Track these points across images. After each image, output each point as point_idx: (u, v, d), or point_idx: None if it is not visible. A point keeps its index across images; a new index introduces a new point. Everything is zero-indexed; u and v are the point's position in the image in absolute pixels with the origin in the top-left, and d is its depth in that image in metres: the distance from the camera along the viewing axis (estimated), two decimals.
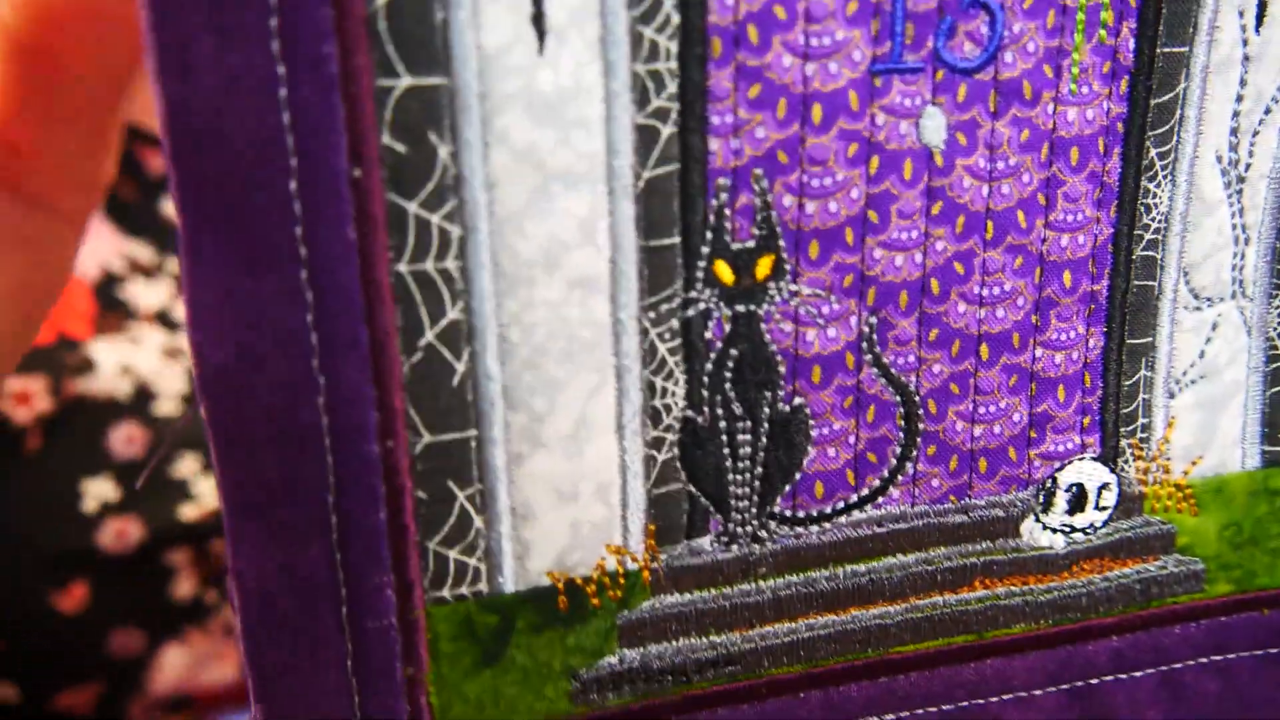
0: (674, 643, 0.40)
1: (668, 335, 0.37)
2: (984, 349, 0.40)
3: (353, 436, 0.35)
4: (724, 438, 0.39)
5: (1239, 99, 0.41)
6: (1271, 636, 0.46)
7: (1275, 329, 0.44)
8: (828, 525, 0.41)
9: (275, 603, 0.35)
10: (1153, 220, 0.41)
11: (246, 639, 0.36)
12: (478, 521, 0.37)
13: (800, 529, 0.40)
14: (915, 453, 0.41)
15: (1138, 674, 0.45)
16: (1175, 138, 0.40)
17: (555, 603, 0.38)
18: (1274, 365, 0.44)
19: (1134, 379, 0.43)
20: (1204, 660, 0.46)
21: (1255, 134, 0.41)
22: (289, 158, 0.32)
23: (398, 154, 0.33)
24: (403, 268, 0.34)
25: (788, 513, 0.40)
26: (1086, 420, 0.42)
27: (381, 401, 0.35)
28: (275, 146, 0.32)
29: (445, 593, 0.37)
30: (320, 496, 0.35)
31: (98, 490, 0.81)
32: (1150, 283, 0.42)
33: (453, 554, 0.37)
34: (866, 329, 0.39)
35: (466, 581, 0.37)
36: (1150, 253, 0.41)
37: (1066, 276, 0.41)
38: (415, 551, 0.37)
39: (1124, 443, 0.43)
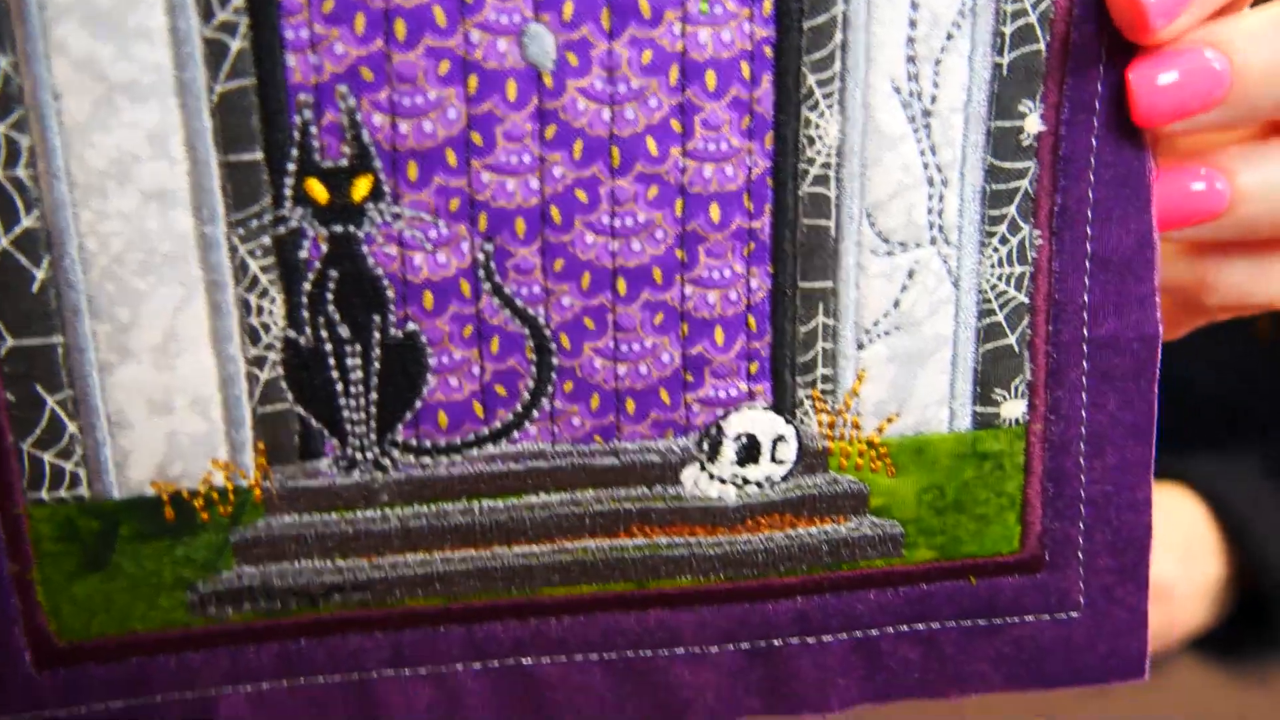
0: (295, 563, 0.39)
1: (259, 252, 0.36)
2: (620, 283, 0.38)
3: None
4: (330, 360, 0.38)
5: (912, 24, 0.37)
6: (979, 606, 0.42)
7: (989, 281, 0.40)
8: (457, 458, 0.39)
9: None
10: (819, 154, 0.38)
11: None
12: (71, 427, 0.37)
13: (427, 459, 0.39)
14: (550, 388, 0.39)
15: (826, 638, 0.42)
16: (838, 63, 0.37)
17: (161, 513, 0.38)
18: (988, 320, 0.40)
19: (810, 325, 0.39)
20: (904, 628, 0.42)
21: (938, 62, 0.37)
22: None
23: None
24: None
25: (411, 442, 0.39)
26: (753, 366, 0.40)
27: None
28: None
29: (44, 495, 0.37)
30: None
31: None
32: (823, 222, 0.38)
33: (47, 457, 0.37)
34: (482, 256, 0.37)
35: (65, 485, 0.38)
36: (820, 189, 0.38)
37: (714, 210, 0.38)
38: (13, 453, 0.37)
39: (802, 393, 0.40)
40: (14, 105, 0.34)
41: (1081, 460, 0.41)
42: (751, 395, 0.40)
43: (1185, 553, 0.73)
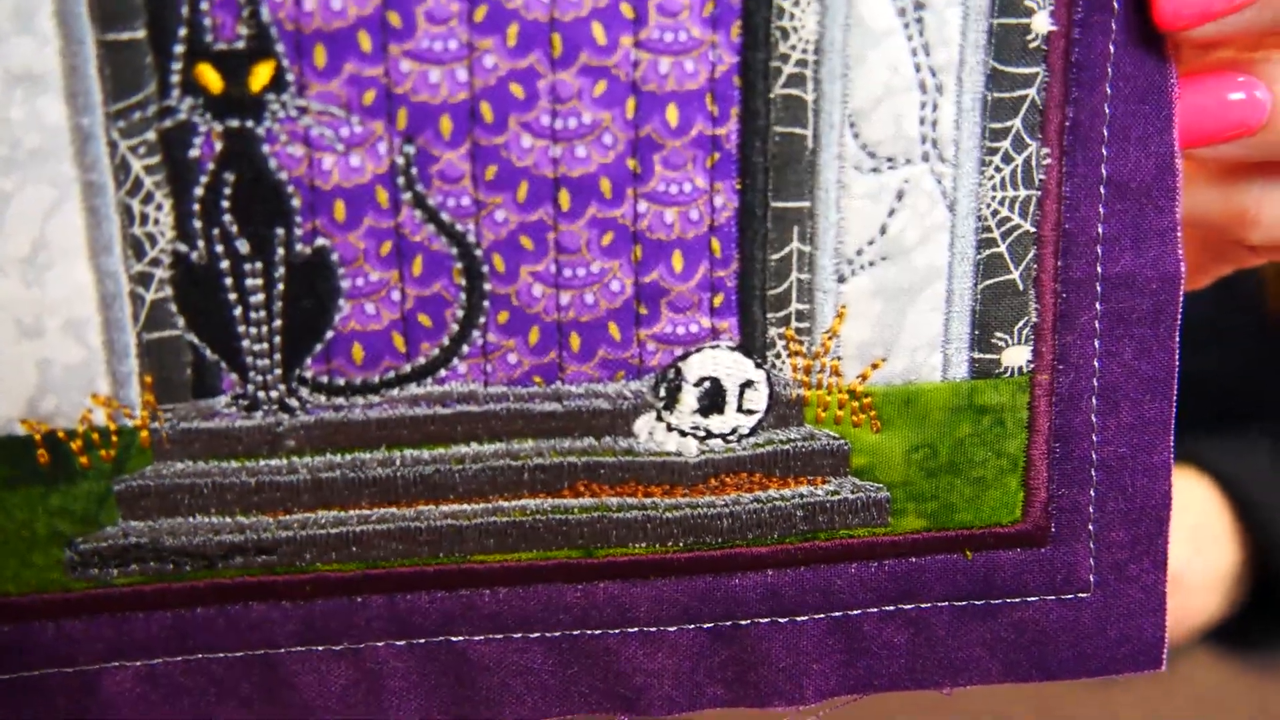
0: (189, 519, 0.33)
1: (143, 150, 0.30)
2: (563, 195, 0.32)
3: None
4: (227, 280, 0.31)
5: None
6: (974, 584, 0.36)
7: (990, 206, 0.33)
8: (375, 398, 0.33)
9: None
10: (794, 49, 0.32)
11: None
12: None
13: (340, 399, 0.33)
14: (482, 319, 0.33)
15: (800, 618, 0.35)
16: None
17: (33, 456, 0.32)
18: (988, 252, 0.34)
19: (783, 252, 0.33)
20: (888, 608, 0.36)
21: None
22: None
23: None
24: None
25: (322, 379, 0.33)
26: (718, 299, 0.33)
27: None
28: None
29: None
30: None
31: None
32: (799, 130, 0.32)
33: None
34: (401, 159, 0.31)
35: None
36: (795, 90, 0.32)
37: (671, 112, 0.32)
38: None
39: (774, 332, 0.34)
40: None
41: (1093, 417, 0.35)
42: (715, 333, 0.33)
43: (1196, 539, 0.67)
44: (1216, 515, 0.68)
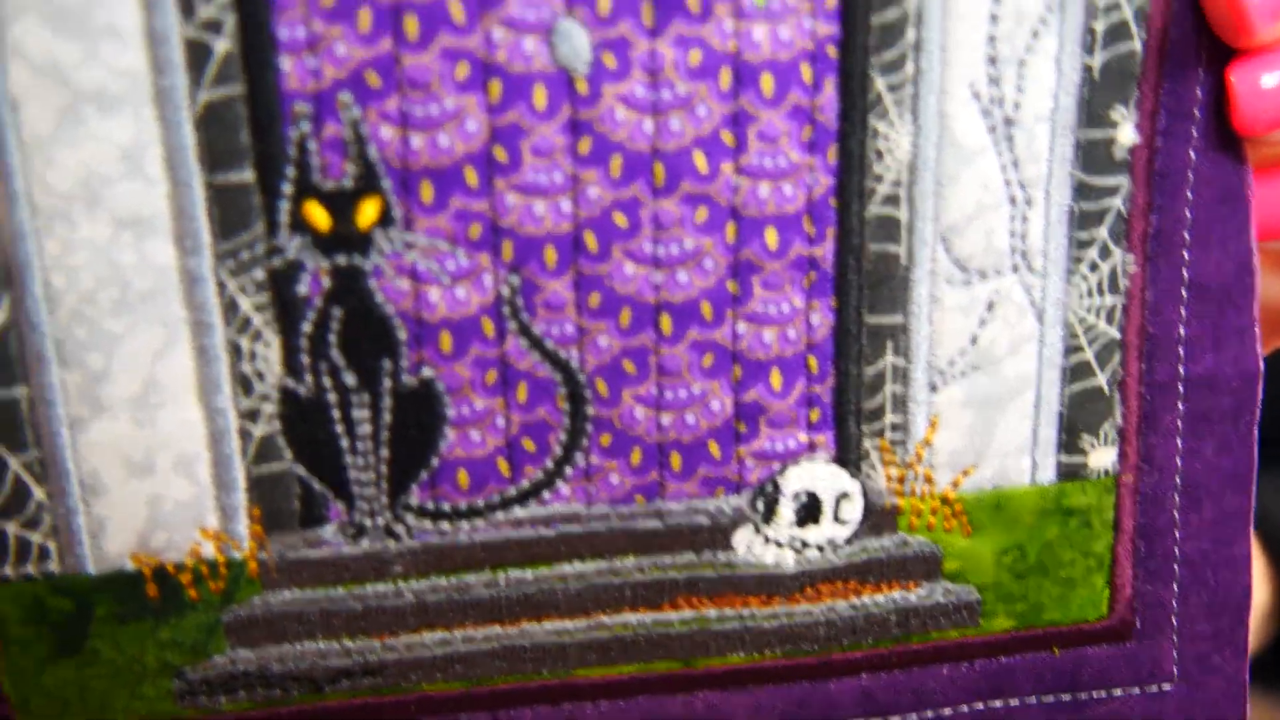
0: (296, 645, 0.32)
1: (251, 288, 0.30)
2: (665, 320, 0.32)
3: None
4: (335, 412, 0.31)
5: (993, 19, 0.31)
6: (1062, 679, 0.36)
7: (1077, 314, 0.33)
8: (480, 521, 0.32)
9: None
10: (888, 169, 0.31)
11: None
12: (38, 493, 0.30)
13: (444, 524, 0.32)
14: (585, 441, 0.32)
15: (894, 719, 0.35)
16: (910, 65, 0.31)
17: (143, 590, 0.31)
18: (1076, 358, 0.34)
19: (878, 366, 0.33)
20: (979, 706, 0.35)
21: (1021, 64, 0.31)
22: None
23: None
24: None
25: (428, 505, 0.32)
26: (814, 414, 0.33)
27: None
28: None
29: (8, 570, 0.31)
30: None
31: None
32: (893, 247, 0.32)
33: (11, 528, 0.31)
34: (507, 290, 0.31)
35: (33, 559, 0.31)
36: (889, 209, 0.32)
37: (771, 235, 0.31)
38: None
39: (869, 443, 0.33)
40: None
41: (1176, 514, 0.35)
42: (812, 447, 0.33)
43: None
44: (1256, 554, 0.68)
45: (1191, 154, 0.33)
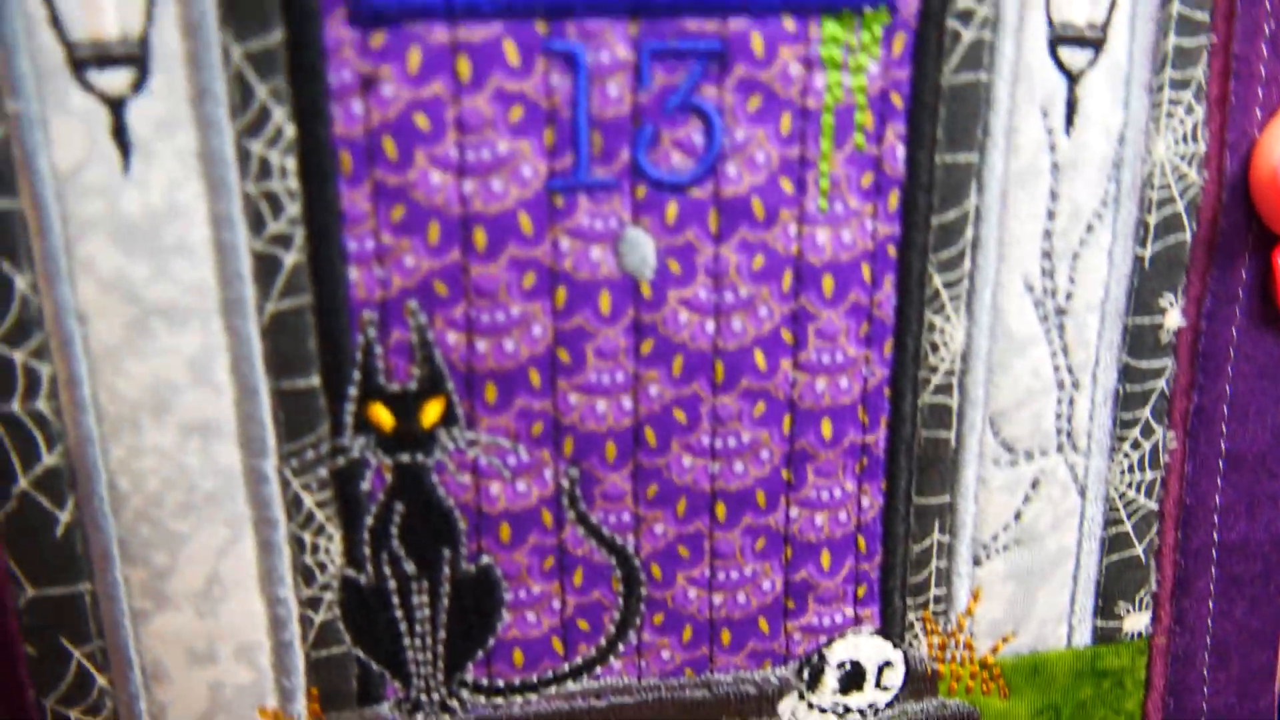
0: None
1: (315, 485, 0.30)
2: (720, 507, 0.32)
3: None
4: (394, 599, 0.31)
5: (1050, 215, 0.31)
6: None
7: (1118, 489, 0.34)
8: (533, 696, 0.33)
9: None
10: (942, 361, 0.32)
11: None
12: (101, 680, 0.31)
13: (499, 699, 0.33)
14: (638, 621, 0.33)
15: None
16: (967, 262, 0.31)
17: None
18: (1114, 530, 0.34)
19: (924, 544, 0.33)
20: None
21: (1075, 257, 0.31)
22: None
23: None
24: None
25: (483, 681, 0.32)
26: (861, 589, 0.33)
27: None
28: None
29: None
30: None
31: None
32: (943, 433, 0.32)
33: (74, 714, 0.31)
34: (566, 483, 0.31)
35: None
36: (941, 399, 0.32)
37: (826, 426, 0.32)
38: (33, 710, 0.31)
39: (913, 615, 0.34)
40: (33, 330, 0.28)
41: (1205, 672, 0.36)
42: (858, 620, 0.34)
43: None
44: None
45: (1234, 333, 0.33)
